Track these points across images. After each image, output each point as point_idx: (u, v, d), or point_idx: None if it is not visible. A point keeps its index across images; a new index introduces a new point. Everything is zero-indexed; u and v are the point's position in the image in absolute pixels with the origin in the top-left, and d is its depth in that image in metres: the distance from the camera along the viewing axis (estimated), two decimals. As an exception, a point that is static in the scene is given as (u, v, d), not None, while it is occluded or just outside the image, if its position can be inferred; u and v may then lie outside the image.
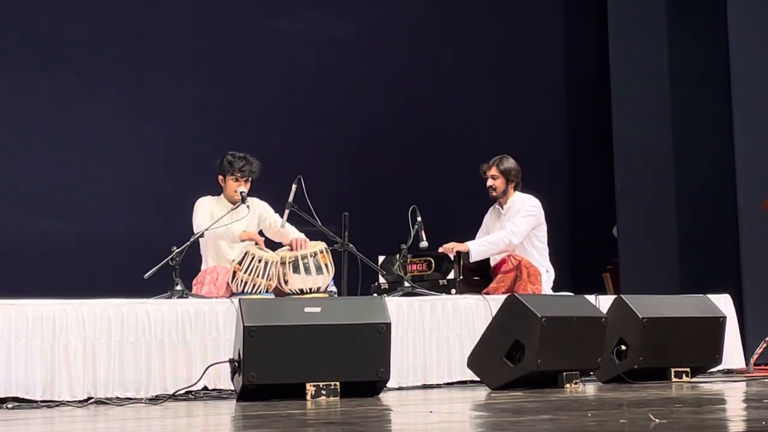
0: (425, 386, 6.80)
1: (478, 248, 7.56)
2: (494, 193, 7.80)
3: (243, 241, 7.04)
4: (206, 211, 7.22)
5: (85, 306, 5.99)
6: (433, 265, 7.58)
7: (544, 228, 7.80)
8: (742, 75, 9.57)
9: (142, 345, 6.08)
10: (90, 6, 9.34)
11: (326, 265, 6.94)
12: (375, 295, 7.33)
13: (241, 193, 7.19)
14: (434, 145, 10.62)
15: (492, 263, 7.69)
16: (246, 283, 6.76)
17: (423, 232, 7.39)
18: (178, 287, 6.54)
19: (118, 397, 5.94)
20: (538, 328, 6.09)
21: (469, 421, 4.64)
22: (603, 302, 7.05)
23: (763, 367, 8.05)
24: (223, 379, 6.14)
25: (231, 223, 7.09)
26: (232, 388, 5.91)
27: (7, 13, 9.04)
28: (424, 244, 7.40)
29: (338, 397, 5.64)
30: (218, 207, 7.28)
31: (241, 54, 9.92)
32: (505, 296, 6.53)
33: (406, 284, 7.22)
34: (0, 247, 8.80)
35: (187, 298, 6.51)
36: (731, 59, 9.63)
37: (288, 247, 7.10)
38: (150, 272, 6.56)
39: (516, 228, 7.61)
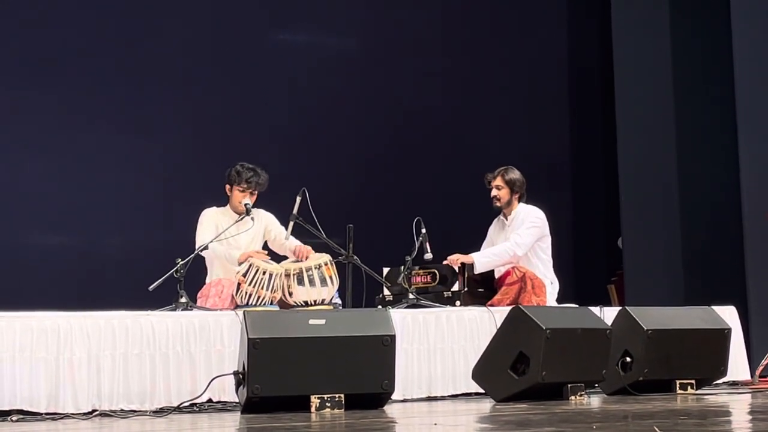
0: (430, 398, 6.78)
1: (482, 260, 7.56)
2: (498, 203, 7.79)
3: (242, 263, 6.98)
4: (211, 223, 7.20)
5: (90, 318, 5.98)
6: (438, 276, 7.57)
7: (549, 240, 7.79)
8: (746, 85, 9.57)
9: (147, 357, 6.08)
10: (91, 19, 9.36)
11: (331, 277, 6.93)
12: (379, 307, 7.32)
13: (245, 205, 7.16)
14: (438, 157, 10.64)
15: (496, 275, 7.68)
16: (250, 295, 6.75)
17: (427, 243, 7.38)
18: (183, 299, 6.53)
19: (122, 410, 5.93)
20: (543, 340, 6.08)
21: (473, 434, 4.64)
22: (608, 314, 7.04)
23: (768, 379, 8.04)
24: (227, 391, 6.14)
25: (236, 235, 7.09)
26: (237, 401, 5.91)
27: (7, 27, 9.05)
28: (428, 255, 7.39)
29: (343, 410, 5.63)
30: (224, 218, 7.25)
31: (243, 66, 9.93)
32: (509, 308, 6.52)
33: (411, 296, 7.21)
34: (5, 260, 8.81)
35: (191, 310, 6.50)
36: (735, 71, 9.63)
37: (293, 259, 7.09)
38: (155, 284, 6.55)
39: (520, 239, 7.60)
